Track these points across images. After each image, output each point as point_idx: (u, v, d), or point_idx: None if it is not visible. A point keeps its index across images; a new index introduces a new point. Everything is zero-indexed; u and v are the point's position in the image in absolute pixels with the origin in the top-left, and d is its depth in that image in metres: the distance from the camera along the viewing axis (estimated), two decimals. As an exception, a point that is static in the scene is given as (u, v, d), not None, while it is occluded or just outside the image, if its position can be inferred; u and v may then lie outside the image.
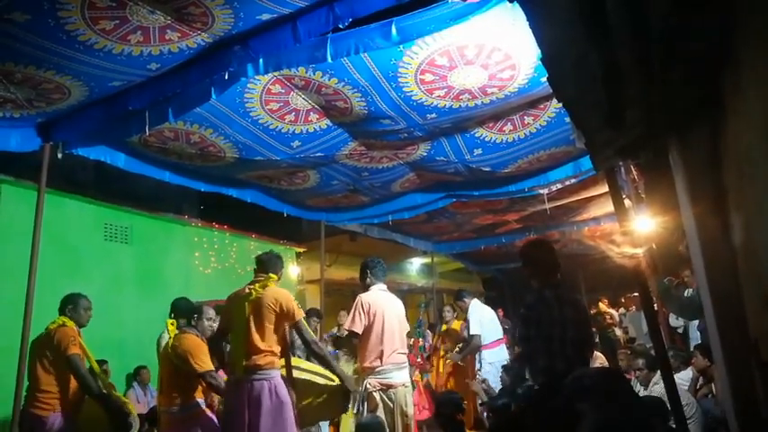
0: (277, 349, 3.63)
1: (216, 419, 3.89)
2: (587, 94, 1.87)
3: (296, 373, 3.88)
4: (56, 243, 6.44)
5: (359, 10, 2.76)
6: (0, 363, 4.68)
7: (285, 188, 5.60)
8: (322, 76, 3.45)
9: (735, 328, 1.74)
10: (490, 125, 4.33)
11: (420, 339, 7.23)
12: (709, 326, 2.10)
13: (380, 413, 4.15)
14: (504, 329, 7.07)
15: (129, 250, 7.98)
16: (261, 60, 3.11)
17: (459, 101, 3.79)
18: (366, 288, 4.51)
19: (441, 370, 6.84)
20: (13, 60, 2.96)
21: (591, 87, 1.79)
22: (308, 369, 4.10)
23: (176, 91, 3.37)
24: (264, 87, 3.61)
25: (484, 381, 5.74)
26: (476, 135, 4.49)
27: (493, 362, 6.21)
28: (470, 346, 6.38)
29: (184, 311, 4.11)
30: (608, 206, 6.42)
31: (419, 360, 6.69)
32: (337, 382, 3.93)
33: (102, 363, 5.40)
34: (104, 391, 3.83)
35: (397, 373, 4.27)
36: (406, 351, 4.58)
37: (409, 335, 5.46)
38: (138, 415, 4.08)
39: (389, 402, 4.14)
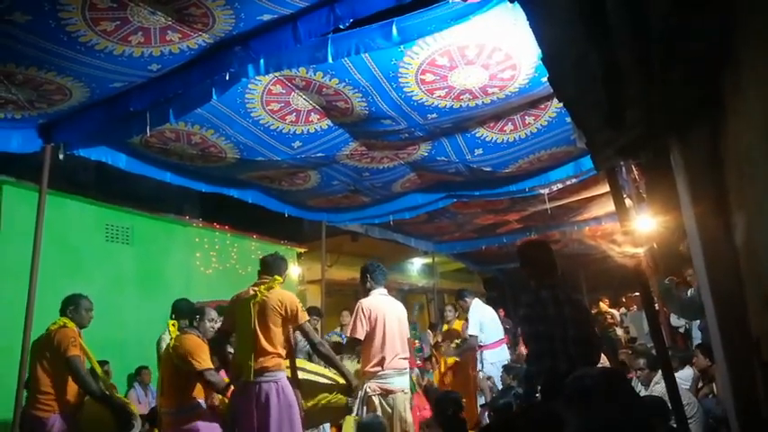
0: (283, 351, 3.64)
1: (217, 420, 3.88)
2: (588, 93, 1.88)
3: (301, 375, 3.89)
4: (57, 244, 6.43)
5: (360, 10, 2.77)
6: (1, 364, 4.67)
7: (286, 188, 5.60)
8: (323, 77, 3.45)
9: (736, 328, 1.74)
10: (491, 125, 4.33)
11: (416, 341, 7.22)
12: (711, 325, 2.10)
13: None
14: (505, 329, 7.07)
15: (130, 251, 7.98)
16: (262, 61, 3.11)
17: (459, 101, 3.79)
18: (366, 293, 4.48)
19: (443, 369, 6.85)
20: (14, 61, 2.97)
21: (591, 87, 1.79)
22: (311, 370, 4.11)
23: (177, 92, 3.38)
24: (265, 88, 3.61)
25: (489, 378, 5.72)
26: (476, 135, 4.49)
27: (494, 362, 6.20)
28: (466, 345, 6.37)
29: (186, 312, 4.11)
30: (609, 206, 6.41)
31: (418, 362, 6.69)
32: (342, 381, 3.94)
33: (103, 363, 5.41)
34: (106, 392, 3.83)
35: (398, 379, 4.24)
36: (408, 355, 4.55)
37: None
38: (140, 415, 4.08)
39: (388, 408, 4.12)
